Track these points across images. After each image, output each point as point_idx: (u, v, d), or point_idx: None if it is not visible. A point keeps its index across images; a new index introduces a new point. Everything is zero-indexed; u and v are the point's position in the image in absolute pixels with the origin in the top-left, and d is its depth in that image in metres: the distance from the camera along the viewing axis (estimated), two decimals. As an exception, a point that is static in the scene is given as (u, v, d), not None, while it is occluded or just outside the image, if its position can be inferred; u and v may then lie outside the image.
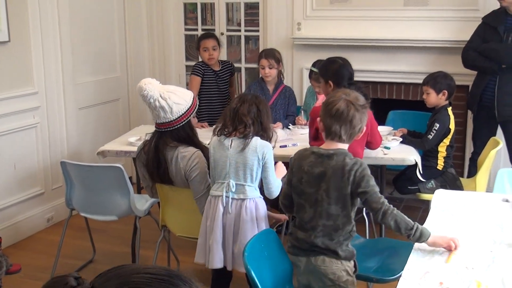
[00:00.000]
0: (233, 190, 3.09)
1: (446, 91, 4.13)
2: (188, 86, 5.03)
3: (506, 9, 4.38)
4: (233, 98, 3.27)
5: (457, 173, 4.34)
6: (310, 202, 2.60)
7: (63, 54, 4.86)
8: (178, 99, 3.19)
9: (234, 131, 3.11)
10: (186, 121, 3.23)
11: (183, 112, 3.20)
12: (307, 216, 2.61)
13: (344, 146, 2.62)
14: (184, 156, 3.21)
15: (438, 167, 4.16)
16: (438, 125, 4.07)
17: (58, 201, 4.83)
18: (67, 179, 3.85)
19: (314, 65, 4.54)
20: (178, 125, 3.21)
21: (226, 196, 3.09)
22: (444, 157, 4.17)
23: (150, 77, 3.30)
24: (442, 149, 4.16)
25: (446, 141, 4.14)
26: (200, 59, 5.06)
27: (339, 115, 2.54)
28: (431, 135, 4.08)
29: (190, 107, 3.23)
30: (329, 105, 2.59)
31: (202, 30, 5.75)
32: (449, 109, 4.16)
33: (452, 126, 4.13)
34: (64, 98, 4.92)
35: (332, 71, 3.75)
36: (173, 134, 3.22)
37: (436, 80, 4.16)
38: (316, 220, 2.59)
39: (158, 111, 3.18)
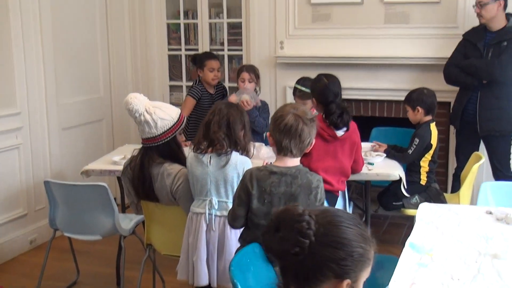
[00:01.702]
0: (216, 207, 3.09)
1: (419, 108, 4.16)
2: (180, 105, 5.04)
3: (485, 26, 4.46)
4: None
5: (440, 189, 4.36)
6: None
7: (46, 75, 4.85)
8: (164, 114, 3.18)
9: (210, 147, 3.09)
10: (171, 137, 3.21)
11: (168, 128, 3.19)
12: None
13: (297, 161, 2.66)
14: (169, 174, 3.19)
15: (421, 182, 4.19)
16: (418, 140, 4.12)
17: (41, 222, 4.77)
18: (51, 198, 3.81)
19: (298, 82, 4.57)
20: (163, 141, 3.19)
21: (209, 214, 3.08)
22: (427, 172, 4.20)
23: (134, 97, 3.29)
24: (424, 164, 4.18)
25: (428, 156, 4.17)
26: (193, 79, 5.08)
27: (288, 129, 2.57)
28: (411, 149, 4.12)
29: (176, 123, 3.21)
30: (277, 119, 2.62)
31: (186, 50, 5.79)
32: (432, 124, 4.19)
33: (434, 141, 4.16)
34: (47, 119, 4.89)
35: (317, 91, 3.80)
36: (158, 149, 3.21)
37: (411, 97, 4.23)
38: None
39: (143, 126, 3.17)
